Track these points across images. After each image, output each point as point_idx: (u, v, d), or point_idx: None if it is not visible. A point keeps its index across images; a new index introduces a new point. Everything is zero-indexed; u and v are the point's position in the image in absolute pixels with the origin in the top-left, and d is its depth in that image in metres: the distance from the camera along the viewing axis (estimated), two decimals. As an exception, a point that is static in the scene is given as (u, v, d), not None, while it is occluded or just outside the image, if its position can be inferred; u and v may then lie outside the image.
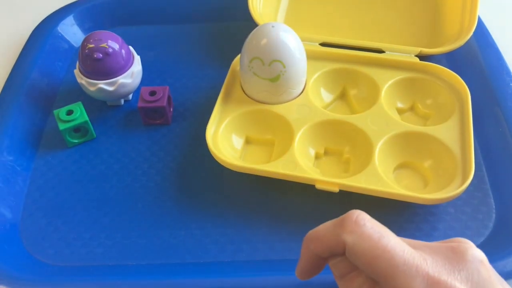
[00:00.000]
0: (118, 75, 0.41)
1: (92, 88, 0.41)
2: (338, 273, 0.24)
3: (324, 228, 0.24)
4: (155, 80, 0.47)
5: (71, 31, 0.52)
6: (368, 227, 0.22)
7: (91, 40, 0.40)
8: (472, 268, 0.23)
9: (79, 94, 0.44)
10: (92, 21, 0.53)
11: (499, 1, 0.57)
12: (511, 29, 0.53)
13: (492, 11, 0.53)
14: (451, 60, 0.47)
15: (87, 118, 0.41)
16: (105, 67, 0.40)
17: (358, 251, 0.22)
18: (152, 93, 0.42)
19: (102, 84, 0.41)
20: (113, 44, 0.41)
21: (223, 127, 0.39)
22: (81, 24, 0.53)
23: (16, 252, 0.35)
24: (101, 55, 0.40)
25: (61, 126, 0.40)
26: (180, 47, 0.51)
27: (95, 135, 0.42)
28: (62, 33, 0.51)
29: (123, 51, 0.41)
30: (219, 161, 0.37)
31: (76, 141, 0.42)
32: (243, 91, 0.42)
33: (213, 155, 0.37)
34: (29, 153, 0.41)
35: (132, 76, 0.42)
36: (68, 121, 0.40)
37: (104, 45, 0.40)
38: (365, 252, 0.22)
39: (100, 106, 0.45)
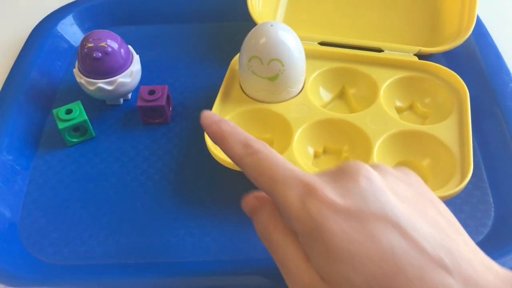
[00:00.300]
0: (117, 74, 0.41)
1: (91, 87, 0.41)
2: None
3: (234, 139, 0.27)
4: (155, 80, 0.47)
5: (71, 31, 0.52)
6: (267, 152, 0.26)
7: (90, 40, 0.40)
8: (348, 180, 0.24)
9: (78, 93, 0.44)
10: (92, 20, 0.53)
11: (498, 0, 0.57)
12: (510, 28, 0.53)
13: (491, 10, 0.53)
14: (450, 59, 0.47)
15: (86, 117, 0.41)
16: (104, 66, 0.41)
17: (249, 168, 0.26)
18: (151, 92, 0.42)
19: (101, 83, 0.41)
20: (112, 43, 0.41)
21: (222, 126, 0.39)
22: (80, 24, 0.53)
23: (15, 251, 0.35)
24: (100, 54, 0.40)
25: (60, 125, 0.40)
26: (180, 46, 0.51)
27: (94, 134, 0.42)
28: (62, 33, 0.51)
29: (122, 50, 0.41)
30: (218, 160, 0.37)
31: (75, 140, 0.42)
32: (242, 90, 0.42)
33: (212, 154, 0.37)
34: (29, 152, 0.41)
35: (131, 75, 0.42)
36: (67, 120, 0.40)
37: (103, 44, 0.40)
38: (255, 168, 0.25)
39: (99, 105, 0.45)
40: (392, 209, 0.23)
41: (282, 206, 0.24)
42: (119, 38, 0.42)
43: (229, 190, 0.38)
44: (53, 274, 0.34)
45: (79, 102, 0.42)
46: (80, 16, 0.53)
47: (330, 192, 0.23)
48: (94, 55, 0.40)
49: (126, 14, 0.54)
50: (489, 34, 0.49)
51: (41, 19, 0.52)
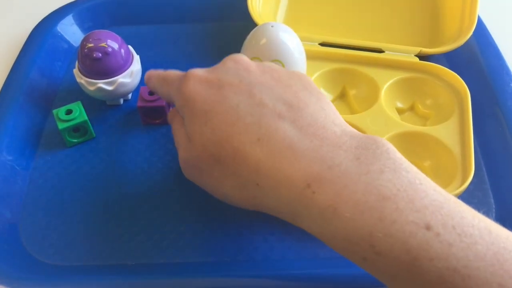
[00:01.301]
0: (117, 75, 0.41)
1: (91, 88, 0.41)
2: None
3: (155, 78, 0.35)
4: (155, 80, 0.47)
5: (71, 31, 0.52)
6: (165, 71, 0.34)
7: (90, 40, 0.40)
8: (220, 64, 0.31)
9: (78, 93, 0.44)
10: (92, 20, 0.53)
11: (499, 1, 0.57)
12: (511, 29, 0.53)
13: (492, 11, 0.53)
14: (451, 60, 0.47)
15: (86, 118, 0.41)
16: (104, 66, 0.40)
17: (157, 86, 0.34)
18: (151, 93, 0.42)
19: (102, 84, 0.41)
20: (112, 43, 0.41)
21: (223, 127, 0.39)
22: (80, 24, 0.52)
23: (16, 252, 0.35)
24: (100, 55, 0.40)
25: (61, 126, 0.40)
26: (180, 46, 0.51)
27: (94, 135, 0.42)
28: (62, 33, 0.51)
29: (122, 50, 0.41)
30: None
31: (75, 140, 0.42)
32: (243, 90, 0.41)
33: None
34: (29, 153, 0.41)
35: (131, 75, 0.42)
36: (68, 121, 0.40)
37: (103, 44, 0.40)
38: (159, 83, 0.34)
39: (100, 106, 0.45)
40: (247, 78, 0.28)
41: (172, 97, 0.31)
42: (119, 38, 0.42)
43: (230, 190, 0.38)
44: (54, 274, 0.34)
45: (79, 102, 0.41)
46: (80, 16, 0.53)
47: (199, 72, 0.30)
48: (94, 55, 0.40)
49: (126, 14, 0.54)
50: (490, 35, 0.49)
51: (41, 19, 0.52)
